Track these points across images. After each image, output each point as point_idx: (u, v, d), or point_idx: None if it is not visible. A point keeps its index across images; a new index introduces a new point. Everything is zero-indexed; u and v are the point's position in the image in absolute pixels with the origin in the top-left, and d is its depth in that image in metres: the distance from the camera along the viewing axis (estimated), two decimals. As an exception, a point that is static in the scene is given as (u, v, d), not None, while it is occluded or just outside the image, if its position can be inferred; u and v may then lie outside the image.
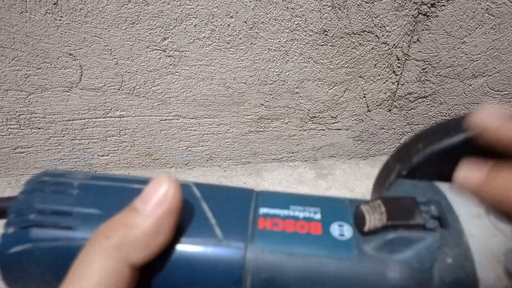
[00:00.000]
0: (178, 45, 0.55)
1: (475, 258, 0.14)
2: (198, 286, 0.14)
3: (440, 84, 0.66)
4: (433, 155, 0.17)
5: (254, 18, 0.53)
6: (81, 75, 0.57)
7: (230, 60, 0.58)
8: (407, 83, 0.65)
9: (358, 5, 0.53)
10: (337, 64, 0.61)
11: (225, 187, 0.16)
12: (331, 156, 0.78)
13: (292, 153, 0.76)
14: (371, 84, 0.64)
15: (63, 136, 0.66)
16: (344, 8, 0.53)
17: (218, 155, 0.74)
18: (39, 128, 0.64)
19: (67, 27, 0.51)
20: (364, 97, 0.67)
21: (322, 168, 0.76)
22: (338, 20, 0.55)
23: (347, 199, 0.16)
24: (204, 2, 0.51)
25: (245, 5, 0.52)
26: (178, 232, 0.14)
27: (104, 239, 0.13)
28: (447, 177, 0.17)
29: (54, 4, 0.49)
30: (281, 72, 0.60)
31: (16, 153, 0.68)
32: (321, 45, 0.58)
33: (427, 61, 0.62)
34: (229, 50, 0.57)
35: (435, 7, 0.55)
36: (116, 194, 0.15)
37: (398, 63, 0.62)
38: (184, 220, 0.14)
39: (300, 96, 0.65)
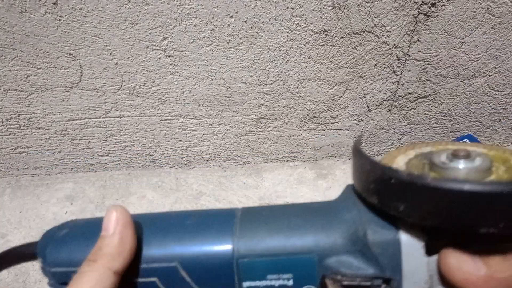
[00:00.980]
0: (178, 45, 0.55)
1: None
2: None
3: (440, 84, 0.66)
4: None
5: (254, 18, 0.53)
6: (81, 75, 0.57)
7: (230, 60, 0.58)
8: (407, 83, 0.65)
9: (358, 5, 0.53)
10: (337, 64, 0.61)
11: (206, 256, 0.18)
12: (331, 156, 0.78)
13: (292, 153, 0.76)
14: (371, 84, 0.64)
15: (63, 136, 0.66)
16: (344, 8, 0.53)
17: (218, 155, 0.74)
18: (39, 128, 0.64)
19: (67, 27, 0.51)
20: (364, 97, 0.67)
21: (322, 168, 0.76)
22: (338, 20, 0.55)
23: (315, 254, 0.18)
24: (204, 2, 0.51)
25: (245, 5, 0.52)
26: None
27: (89, 262, 0.17)
28: None
29: (54, 4, 0.49)
30: (281, 72, 0.60)
31: (16, 153, 0.68)
32: (321, 45, 0.57)
33: (427, 61, 0.62)
34: (229, 50, 0.56)
35: (435, 7, 0.55)
36: None
37: (398, 63, 0.62)
38: None
39: (300, 96, 0.65)
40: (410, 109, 0.70)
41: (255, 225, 0.18)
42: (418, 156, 0.18)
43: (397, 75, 0.64)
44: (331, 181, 0.74)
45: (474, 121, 0.74)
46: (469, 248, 0.15)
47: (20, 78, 0.57)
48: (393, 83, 0.65)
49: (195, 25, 0.53)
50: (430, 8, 0.55)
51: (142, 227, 0.19)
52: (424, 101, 0.69)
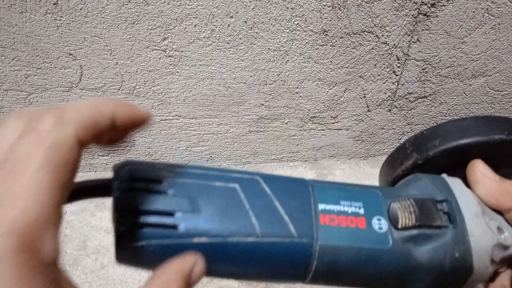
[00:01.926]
0: (178, 45, 0.55)
1: (473, 252, 0.18)
2: (272, 270, 0.18)
3: (440, 84, 0.66)
4: (446, 152, 0.21)
5: (254, 18, 0.53)
6: (81, 75, 0.57)
7: (230, 60, 0.58)
8: (407, 83, 0.65)
9: (358, 5, 0.53)
10: (337, 64, 0.61)
11: (285, 179, 0.20)
12: (331, 156, 0.78)
13: (292, 153, 0.76)
14: (371, 84, 0.64)
15: (63, 136, 0.66)
16: (344, 8, 0.53)
17: (218, 155, 0.74)
18: (39, 128, 0.64)
19: (67, 27, 0.51)
20: (364, 97, 0.67)
21: (322, 168, 0.76)
22: (338, 20, 0.55)
23: (378, 190, 0.20)
24: (204, 2, 0.51)
25: (245, 5, 0.52)
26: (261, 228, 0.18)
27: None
28: (454, 172, 0.21)
29: (54, 4, 0.49)
30: (281, 72, 0.60)
31: (16, 153, 0.68)
32: (321, 45, 0.58)
33: (427, 61, 0.62)
34: (229, 50, 0.57)
35: (435, 7, 0.55)
36: (206, 193, 0.18)
37: (398, 63, 0.62)
38: (264, 217, 0.18)
39: (300, 96, 0.65)
40: (410, 109, 0.70)
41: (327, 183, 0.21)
42: None
43: (397, 75, 0.64)
44: (331, 181, 0.74)
45: (474, 121, 0.74)
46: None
47: (20, 78, 0.57)
48: (393, 83, 0.65)
49: (195, 25, 0.53)
50: (429, 8, 0.55)
51: None
52: (424, 101, 0.69)
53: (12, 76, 0.56)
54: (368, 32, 0.57)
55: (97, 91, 0.60)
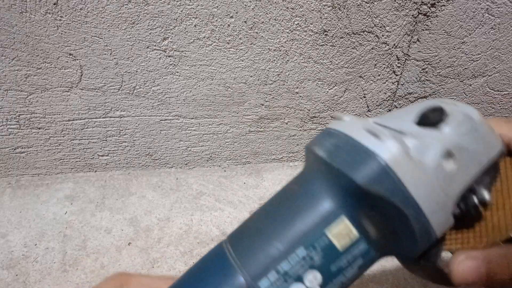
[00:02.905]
0: (178, 45, 0.55)
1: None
2: None
3: (440, 84, 0.66)
4: None
5: (254, 18, 0.53)
6: (81, 75, 0.57)
7: (230, 60, 0.58)
8: (407, 83, 0.65)
9: (358, 5, 0.53)
10: (337, 64, 0.61)
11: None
12: (331, 156, 0.78)
13: (292, 153, 0.76)
14: (371, 84, 0.64)
15: (63, 136, 0.66)
16: (344, 8, 0.53)
17: (218, 155, 0.74)
18: (39, 128, 0.64)
19: (67, 27, 0.51)
20: (364, 97, 0.67)
21: (322, 168, 0.76)
22: (338, 20, 0.55)
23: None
24: (204, 2, 0.51)
25: (245, 5, 0.52)
26: None
27: None
28: None
29: (54, 4, 0.49)
30: (281, 72, 0.60)
31: (16, 153, 0.68)
32: (321, 45, 0.58)
33: (427, 61, 0.62)
34: (229, 50, 0.57)
35: (435, 7, 0.55)
36: None
37: (398, 63, 0.62)
38: None
39: (300, 96, 0.65)
40: (410, 109, 0.70)
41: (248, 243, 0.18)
42: None
43: (397, 75, 0.64)
44: (331, 181, 0.74)
45: (474, 121, 0.74)
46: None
47: (20, 78, 0.57)
48: (393, 83, 0.65)
49: (195, 25, 0.53)
50: (429, 8, 0.55)
51: None
52: (424, 101, 0.69)
53: (12, 76, 0.56)
54: (368, 32, 0.57)
55: (97, 91, 0.60)
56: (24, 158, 0.69)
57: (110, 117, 0.64)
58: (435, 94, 0.68)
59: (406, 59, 0.61)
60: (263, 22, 0.54)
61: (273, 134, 0.71)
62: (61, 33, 0.52)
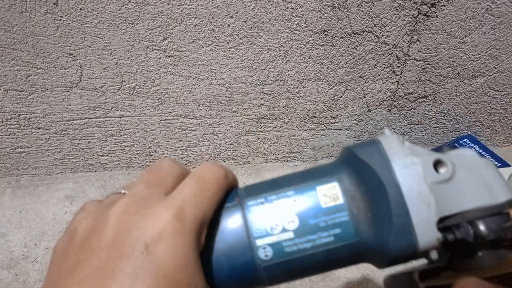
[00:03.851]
0: (178, 45, 0.55)
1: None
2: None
3: (440, 84, 0.66)
4: None
5: (254, 18, 0.53)
6: (81, 75, 0.57)
7: (230, 60, 0.58)
8: (407, 83, 0.65)
9: (358, 5, 0.53)
10: (337, 64, 0.61)
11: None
12: (331, 156, 0.78)
13: (292, 153, 0.76)
14: (371, 84, 0.64)
15: (63, 136, 0.66)
16: (344, 8, 0.53)
17: (218, 155, 0.74)
18: (39, 128, 0.64)
19: (67, 27, 0.51)
20: (364, 97, 0.67)
21: (322, 168, 0.76)
22: (338, 20, 0.55)
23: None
24: (204, 2, 0.51)
25: (245, 5, 0.52)
26: None
27: None
28: None
29: (54, 4, 0.49)
30: (281, 72, 0.60)
31: (16, 153, 0.68)
32: (321, 45, 0.58)
33: (427, 61, 0.62)
34: (229, 50, 0.57)
35: (435, 7, 0.55)
36: None
37: (398, 63, 0.62)
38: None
39: (300, 96, 0.65)
40: (410, 109, 0.70)
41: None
42: None
43: (397, 75, 0.64)
44: (331, 181, 0.74)
45: (474, 121, 0.74)
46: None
47: (20, 78, 0.57)
48: (393, 83, 0.65)
49: (195, 25, 0.53)
50: (429, 8, 0.55)
51: None
52: (424, 101, 0.69)
53: (12, 76, 0.56)
54: (368, 32, 0.57)
55: (97, 91, 0.60)
56: (24, 158, 0.69)
57: (110, 117, 0.64)
58: (435, 94, 0.68)
59: (406, 59, 0.61)
60: (263, 22, 0.54)
61: (273, 134, 0.71)
62: (61, 33, 0.52)
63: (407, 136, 0.76)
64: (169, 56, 0.56)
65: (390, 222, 0.17)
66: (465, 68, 0.64)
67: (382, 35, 0.57)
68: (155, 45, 0.55)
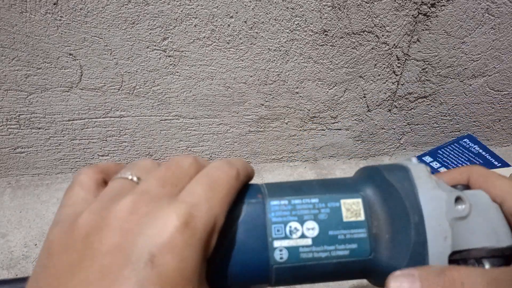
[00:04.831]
0: (178, 45, 0.55)
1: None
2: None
3: (440, 84, 0.66)
4: None
5: (254, 18, 0.53)
6: (81, 75, 0.57)
7: (230, 60, 0.58)
8: (407, 83, 0.65)
9: (358, 5, 0.53)
10: (337, 64, 0.61)
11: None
12: (331, 156, 0.78)
13: (292, 153, 0.76)
14: (371, 84, 0.64)
15: (63, 136, 0.66)
16: (344, 8, 0.53)
17: (218, 155, 0.74)
18: (39, 128, 0.64)
19: (67, 27, 0.51)
20: (364, 97, 0.67)
21: (322, 168, 0.76)
22: (338, 20, 0.55)
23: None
24: (204, 2, 0.51)
25: (245, 5, 0.52)
26: None
27: None
28: None
29: (54, 4, 0.49)
30: (281, 72, 0.60)
31: (16, 153, 0.68)
32: (321, 45, 0.58)
33: (427, 61, 0.62)
34: (229, 50, 0.57)
35: (435, 7, 0.55)
36: None
37: (398, 63, 0.62)
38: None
39: (300, 96, 0.65)
40: (410, 109, 0.70)
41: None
42: None
43: (397, 75, 0.64)
44: (331, 181, 0.74)
45: (474, 121, 0.74)
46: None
47: (20, 78, 0.57)
48: (393, 83, 0.65)
49: (195, 25, 0.53)
50: (429, 8, 0.55)
51: None
52: (424, 101, 0.69)
53: (12, 76, 0.56)
54: (368, 32, 0.57)
55: (97, 91, 0.60)
56: (24, 158, 0.69)
57: (110, 117, 0.64)
58: (435, 94, 0.68)
59: (406, 59, 0.61)
60: (263, 22, 0.54)
61: (273, 134, 0.71)
62: (61, 33, 0.52)
63: (407, 136, 0.76)
64: (169, 56, 0.56)
65: (407, 248, 0.18)
66: (465, 68, 0.64)
67: (382, 35, 0.57)
68: (155, 45, 0.55)
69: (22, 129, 0.64)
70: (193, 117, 0.66)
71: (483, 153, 0.69)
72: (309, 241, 0.19)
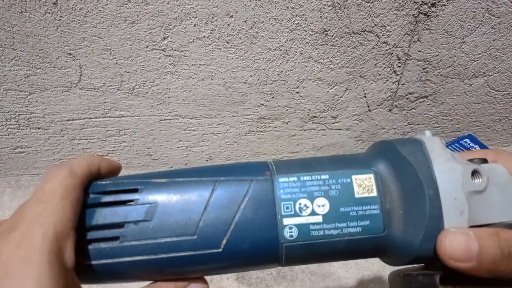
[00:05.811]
0: (178, 44, 0.55)
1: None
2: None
3: (440, 84, 0.66)
4: None
5: (254, 17, 0.53)
6: (81, 75, 0.57)
7: (230, 59, 0.58)
8: (408, 83, 0.65)
9: (359, 4, 0.53)
10: (337, 64, 0.60)
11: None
12: (331, 156, 0.78)
13: (292, 153, 0.76)
14: (372, 84, 0.64)
15: (62, 136, 0.66)
16: (344, 8, 0.53)
17: (218, 155, 0.74)
18: (39, 128, 0.64)
19: (67, 27, 0.51)
20: (365, 97, 0.66)
21: (322, 168, 0.76)
22: (339, 19, 0.55)
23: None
24: (204, 1, 0.51)
25: (245, 4, 0.51)
26: None
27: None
28: None
29: (54, 4, 0.49)
30: (281, 71, 0.60)
31: (15, 153, 0.68)
32: (322, 44, 0.57)
33: (427, 60, 0.62)
34: (229, 50, 0.56)
35: (435, 7, 0.55)
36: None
37: (399, 62, 0.62)
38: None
39: (300, 96, 0.65)
40: (411, 109, 0.70)
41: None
42: None
43: (397, 74, 0.64)
44: (331, 181, 0.73)
45: (475, 121, 0.74)
46: None
47: (19, 78, 0.56)
48: (393, 83, 0.65)
49: (195, 25, 0.53)
50: (430, 8, 0.55)
51: None
52: (424, 101, 0.69)
53: (11, 76, 0.56)
54: (369, 31, 0.57)
55: (96, 91, 0.60)
56: (23, 158, 0.69)
57: (110, 117, 0.64)
58: (436, 94, 0.67)
59: (406, 58, 0.61)
60: (263, 21, 0.54)
61: (273, 134, 0.71)
62: (61, 33, 0.52)
63: (408, 136, 0.76)
64: (169, 55, 0.56)
65: (422, 222, 0.17)
66: (466, 68, 0.64)
67: (383, 35, 0.57)
68: (154, 45, 0.55)
69: (21, 129, 0.64)
70: (193, 117, 0.66)
71: (484, 153, 0.69)
72: (319, 218, 0.18)
